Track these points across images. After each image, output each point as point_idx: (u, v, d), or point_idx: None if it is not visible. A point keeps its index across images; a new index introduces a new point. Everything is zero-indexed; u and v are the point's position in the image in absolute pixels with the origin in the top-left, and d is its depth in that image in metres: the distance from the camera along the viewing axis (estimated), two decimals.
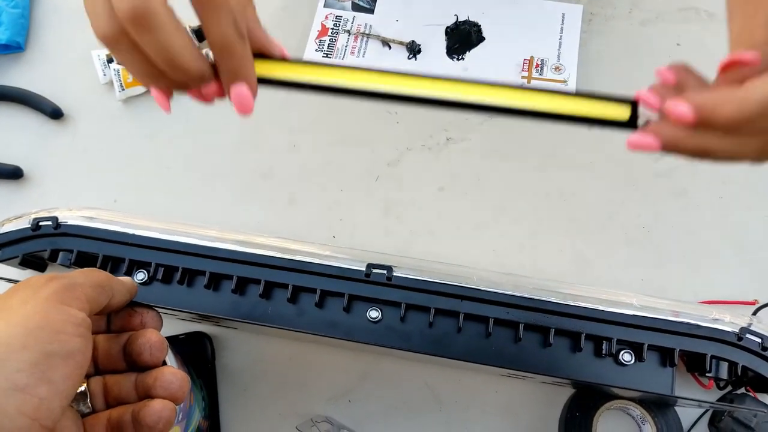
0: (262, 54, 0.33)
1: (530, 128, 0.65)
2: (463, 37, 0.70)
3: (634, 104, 0.31)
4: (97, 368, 0.35)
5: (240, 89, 0.31)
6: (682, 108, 0.27)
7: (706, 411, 0.52)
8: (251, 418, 0.55)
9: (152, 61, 0.30)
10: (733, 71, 0.28)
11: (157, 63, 0.29)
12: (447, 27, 0.71)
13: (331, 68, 0.34)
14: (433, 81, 0.33)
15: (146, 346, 0.34)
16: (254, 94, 0.32)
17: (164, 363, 0.35)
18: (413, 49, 0.69)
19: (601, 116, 0.31)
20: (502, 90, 0.32)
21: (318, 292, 0.51)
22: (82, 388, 0.33)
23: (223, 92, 0.32)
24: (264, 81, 0.33)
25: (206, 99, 0.33)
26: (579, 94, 0.32)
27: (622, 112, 0.31)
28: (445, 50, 0.69)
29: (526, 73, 0.67)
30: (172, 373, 0.33)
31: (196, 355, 0.55)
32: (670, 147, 0.28)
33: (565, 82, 0.66)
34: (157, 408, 0.31)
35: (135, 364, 0.34)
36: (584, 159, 0.63)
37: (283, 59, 0.33)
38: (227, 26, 0.29)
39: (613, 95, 0.31)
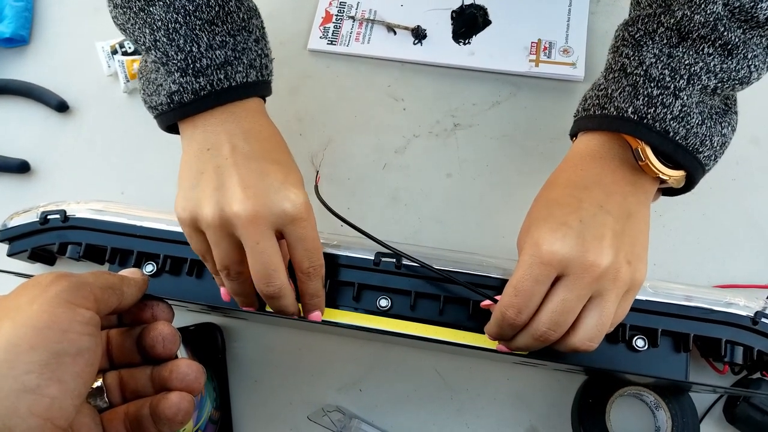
0: None
1: (538, 113, 0.64)
2: (469, 21, 0.69)
3: None
4: (112, 362, 0.35)
5: (316, 314, 0.48)
6: (500, 346, 0.46)
7: (721, 396, 0.52)
8: (262, 408, 0.55)
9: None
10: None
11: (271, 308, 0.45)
12: (452, 11, 0.69)
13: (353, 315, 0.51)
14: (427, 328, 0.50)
15: (159, 338, 0.34)
16: (322, 315, 0.49)
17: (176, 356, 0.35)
18: (419, 35, 0.68)
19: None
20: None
21: (327, 282, 0.51)
22: (98, 384, 0.33)
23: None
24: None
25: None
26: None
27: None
28: (451, 35, 0.68)
29: (533, 57, 0.66)
30: (188, 365, 0.33)
31: (207, 346, 0.55)
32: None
33: (573, 65, 0.65)
34: (174, 400, 0.32)
35: (149, 356, 0.34)
36: None
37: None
38: (320, 286, 0.46)
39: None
